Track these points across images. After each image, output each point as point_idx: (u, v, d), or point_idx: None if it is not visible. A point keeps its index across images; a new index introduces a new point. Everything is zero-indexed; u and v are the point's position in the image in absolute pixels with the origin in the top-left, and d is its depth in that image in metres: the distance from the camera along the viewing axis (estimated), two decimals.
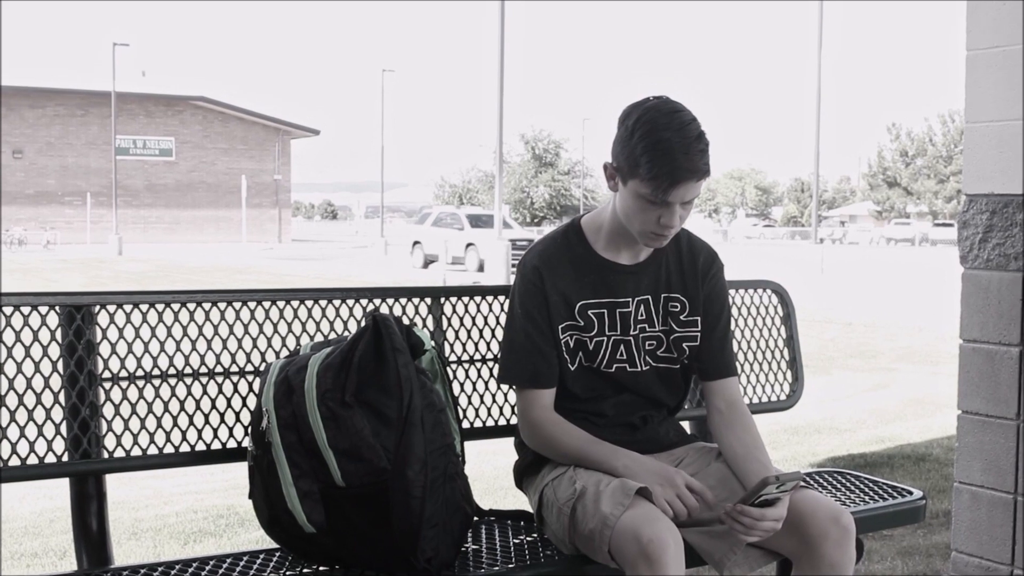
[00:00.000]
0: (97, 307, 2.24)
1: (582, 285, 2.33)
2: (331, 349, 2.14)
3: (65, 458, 2.16)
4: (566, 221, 2.45)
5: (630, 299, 2.35)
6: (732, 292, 3.01)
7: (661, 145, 2.14)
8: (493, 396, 2.64)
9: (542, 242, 2.39)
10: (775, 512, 2.06)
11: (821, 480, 2.85)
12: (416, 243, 32.09)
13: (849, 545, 2.12)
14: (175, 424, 2.28)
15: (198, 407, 2.31)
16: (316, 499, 2.06)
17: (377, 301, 2.54)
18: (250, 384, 2.37)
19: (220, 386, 2.35)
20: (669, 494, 2.10)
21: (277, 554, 2.24)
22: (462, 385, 2.60)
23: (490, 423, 2.62)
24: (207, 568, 2.17)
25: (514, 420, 2.62)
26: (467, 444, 2.40)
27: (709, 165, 2.20)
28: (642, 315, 2.36)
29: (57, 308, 2.20)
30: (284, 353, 2.38)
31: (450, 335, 2.62)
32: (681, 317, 2.39)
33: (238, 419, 2.35)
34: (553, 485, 2.26)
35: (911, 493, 2.70)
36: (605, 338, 2.33)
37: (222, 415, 2.34)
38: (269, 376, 2.15)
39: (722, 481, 2.23)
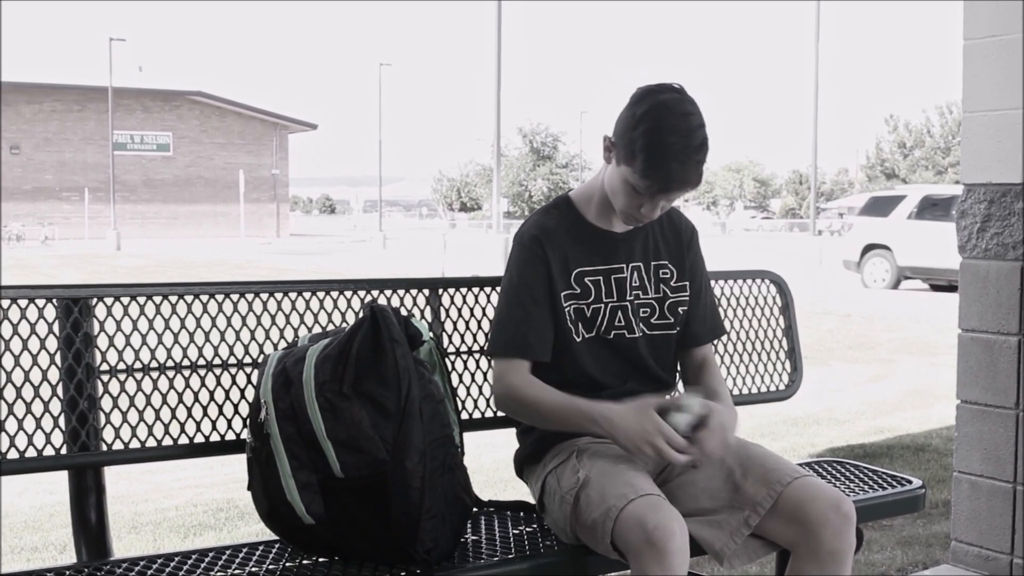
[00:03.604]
0: (94, 300, 2.23)
1: (578, 253, 2.33)
2: (329, 340, 2.13)
3: (64, 451, 2.16)
4: (552, 199, 2.46)
5: (624, 264, 2.37)
6: (731, 283, 3.01)
7: (660, 148, 2.14)
8: (492, 387, 2.63)
9: (535, 215, 2.40)
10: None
11: (820, 470, 2.85)
12: (871, 248, 18.87)
13: (849, 533, 2.12)
14: (173, 416, 2.28)
15: (196, 399, 2.30)
16: (315, 490, 2.06)
17: (375, 293, 2.54)
18: (248, 376, 2.37)
19: (218, 378, 2.35)
20: (651, 450, 2.09)
21: (276, 546, 2.24)
22: (460, 376, 2.60)
23: (489, 414, 2.62)
24: (206, 560, 2.17)
25: None
26: (466, 435, 2.39)
27: (702, 176, 2.22)
28: (636, 282, 2.37)
29: (54, 301, 2.19)
30: (282, 345, 2.37)
31: (448, 326, 2.62)
32: (672, 283, 2.42)
33: (236, 411, 2.34)
34: (556, 473, 2.25)
35: (910, 482, 2.70)
36: (603, 304, 2.34)
37: (220, 407, 2.33)
38: (267, 368, 2.14)
39: (725, 478, 2.22)
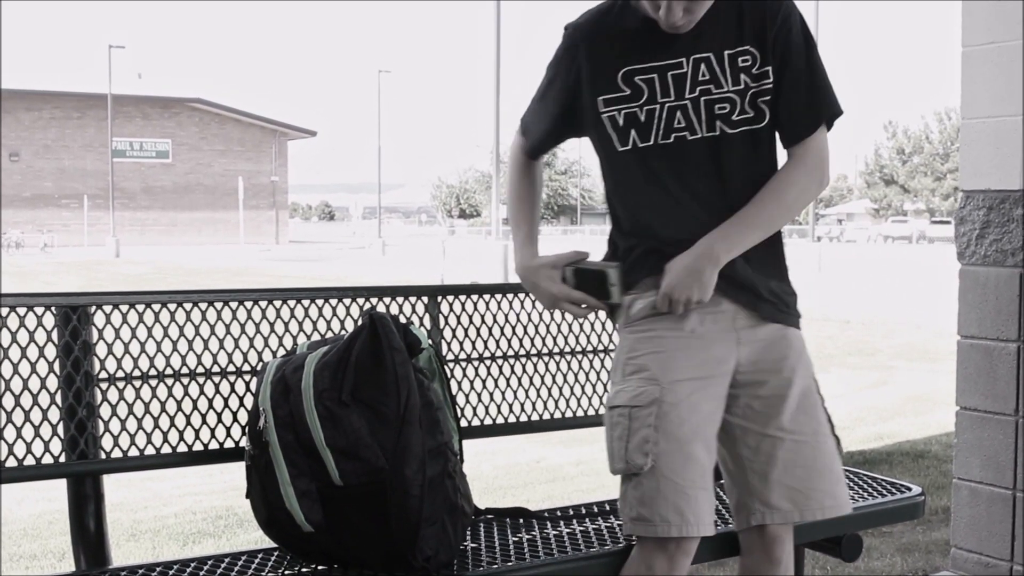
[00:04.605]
0: (93, 307, 2.23)
1: (627, 49, 2.07)
2: (328, 348, 2.13)
3: (62, 459, 2.16)
4: None
5: (683, 59, 2.06)
6: None
7: None
8: (491, 395, 2.63)
9: (586, 11, 2.17)
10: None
11: None
12: None
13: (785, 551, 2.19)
14: (172, 424, 2.28)
15: (195, 407, 2.30)
16: (314, 498, 2.05)
17: (374, 300, 2.54)
18: (247, 384, 2.37)
19: (217, 386, 2.34)
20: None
21: (275, 554, 2.24)
22: (460, 384, 2.60)
23: (488, 422, 2.62)
24: (205, 568, 2.16)
25: (511, 419, 2.62)
26: (465, 443, 2.40)
27: None
28: (705, 75, 2.06)
29: (53, 309, 2.19)
30: (281, 353, 2.37)
31: (447, 333, 2.62)
32: (754, 71, 2.08)
33: (235, 419, 2.34)
34: (626, 387, 2.11)
35: (910, 489, 2.70)
36: (658, 105, 2.07)
37: (219, 415, 2.33)
38: (266, 376, 2.14)
39: (767, 460, 2.17)
